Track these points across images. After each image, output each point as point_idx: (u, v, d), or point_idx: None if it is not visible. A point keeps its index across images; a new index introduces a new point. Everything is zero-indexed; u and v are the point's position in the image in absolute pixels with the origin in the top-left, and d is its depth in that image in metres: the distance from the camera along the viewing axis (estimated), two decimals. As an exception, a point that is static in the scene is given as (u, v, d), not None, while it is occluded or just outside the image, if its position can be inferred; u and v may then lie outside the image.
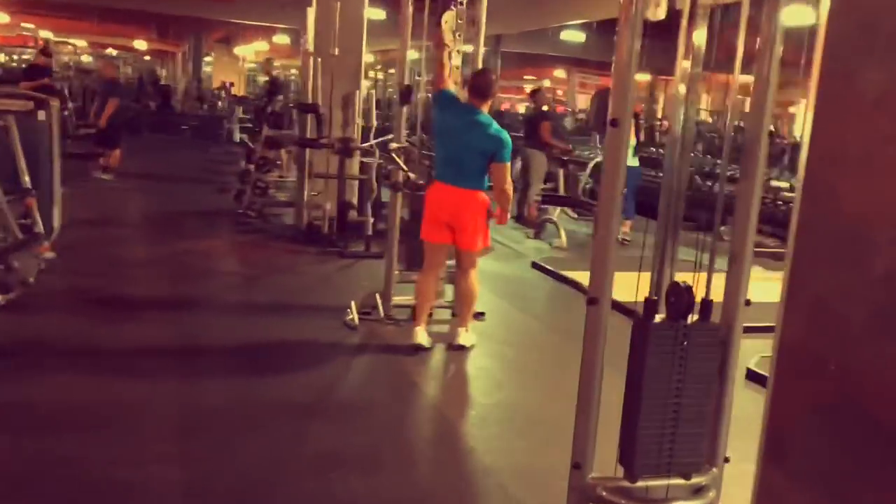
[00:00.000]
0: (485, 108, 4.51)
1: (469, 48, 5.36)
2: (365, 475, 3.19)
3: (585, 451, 2.62)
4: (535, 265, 7.26)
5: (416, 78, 5.67)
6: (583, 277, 6.73)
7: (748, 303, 2.65)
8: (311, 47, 7.52)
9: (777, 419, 1.86)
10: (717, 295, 2.54)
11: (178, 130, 18.08)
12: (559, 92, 27.30)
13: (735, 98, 2.56)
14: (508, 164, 4.48)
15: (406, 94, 5.18)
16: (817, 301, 1.71)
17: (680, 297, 2.56)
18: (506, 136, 4.48)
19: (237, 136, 16.13)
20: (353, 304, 5.13)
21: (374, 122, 7.68)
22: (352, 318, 5.06)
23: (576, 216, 8.95)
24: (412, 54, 5.32)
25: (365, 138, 7.55)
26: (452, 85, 4.73)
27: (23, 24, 24.85)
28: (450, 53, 4.86)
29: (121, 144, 10.81)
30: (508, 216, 4.73)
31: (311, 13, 7.47)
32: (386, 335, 4.95)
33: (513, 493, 3.14)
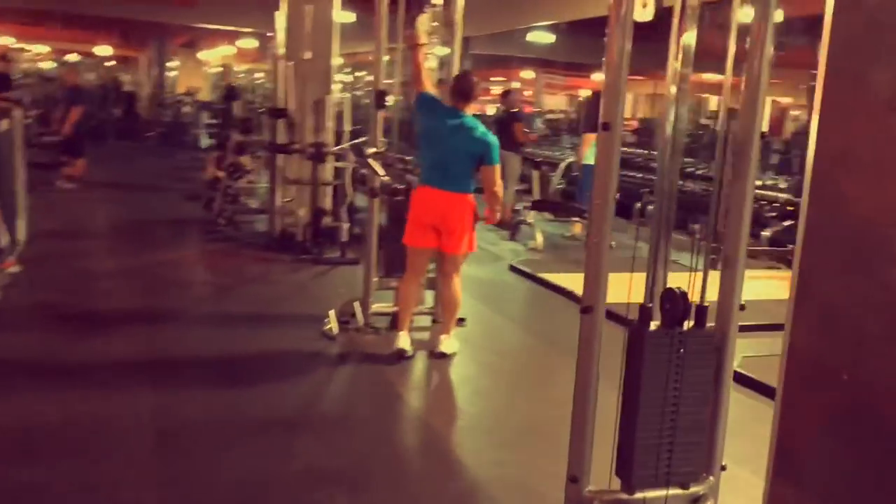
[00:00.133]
0: (468, 111, 4.47)
1: (444, 50, 5.29)
2: (353, 493, 3.09)
3: (582, 463, 2.56)
4: (512, 268, 7.21)
5: (388, 81, 5.58)
6: (561, 279, 6.78)
7: (743, 307, 2.62)
8: (280, 51, 7.38)
9: (786, 431, 1.80)
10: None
11: (143, 137, 17.77)
12: (527, 93, 27.34)
13: (726, 97, 2.50)
14: (498, 165, 4.45)
15: (381, 98, 5.09)
16: (827, 309, 1.66)
17: (675, 304, 2.52)
18: (493, 138, 4.45)
19: (204, 143, 15.90)
20: (331, 313, 5.02)
21: (348, 127, 7.58)
22: (330, 327, 4.95)
23: (552, 217, 8.91)
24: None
25: (337, 143, 7.44)
26: (431, 87, 4.66)
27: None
28: (425, 55, 4.79)
29: (85, 153, 10.57)
30: (498, 216, 4.66)
31: (281, 17, 7.34)
32: (366, 344, 4.84)
33: (506, 508, 3.07)
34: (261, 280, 6.49)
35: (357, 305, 5.10)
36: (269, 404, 3.92)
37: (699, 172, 10.89)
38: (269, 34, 12.58)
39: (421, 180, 4.52)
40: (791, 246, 8.34)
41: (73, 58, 25.88)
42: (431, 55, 4.92)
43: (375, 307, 5.14)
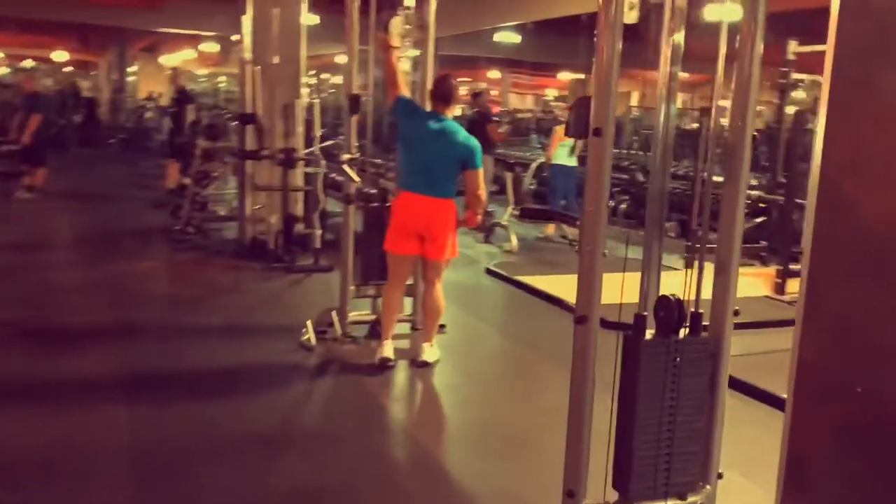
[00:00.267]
0: (449, 114, 4.40)
1: (414, 53, 5.20)
2: (340, 512, 3.01)
3: (578, 477, 2.50)
4: (489, 271, 7.16)
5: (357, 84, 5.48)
6: (537, 282, 6.72)
7: (737, 313, 2.58)
8: (247, 55, 7.24)
9: (797, 443, 1.76)
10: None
11: (105, 144, 17.41)
12: (493, 92, 27.35)
13: (717, 97, 2.46)
14: (481, 169, 4.40)
15: (354, 102, 4.99)
16: (839, 320, 1.62)
17: (670, 312, 2.47)
18: (475, 141, 4.40)
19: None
20: (308, 323, 4.91)
21: (319, 132, 7.47)
22: (308, 337, 4.84)
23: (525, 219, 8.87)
24: (344, 59, 5.13)
25: (307, 148, 7.32)
26: (407, 90, 4.59)
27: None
28: (398, 58, 4.71)
29: (46, 161, 10.30)
30: (479, 218, 4.60)
31: (247, 21, 7.20)
32: (346, 354, 4.74)
33: (499, 521, 3.00)
34: (233, 290, 6.35)
35: (334, 314, 5.00)
36: (248, 420, 3.81)
37: (671, 171, 10.90)
38: (232, 37, 12.40)
39: (402, 186, 4.43)
40: (763, 243, 8.34)
41: (29, 63, 25.32)
42: (405, 58, 4.83)
43: (353, 315, 5.05)
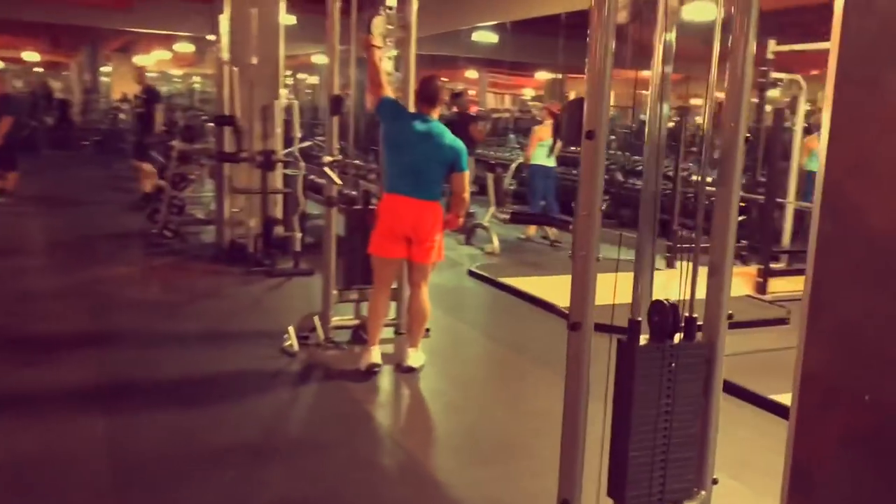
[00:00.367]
0: (434, 115, 4.34)
1: (393, 52, 5.13)
2: (328, 524, 2.94)
3: (573, 485, 2.46)
4: (471, 273, 7.11)
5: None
6: (520, 283, 6.69)
7: (731, 317, 2.54)
8: (225, 56, 7.13)
9: (802, 451, 1.73)
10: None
11: (78, 146, 17.13)
12: (471, 92, 27.32)
13: (712, 97, 2.43)
14: (468, 171, 4.37)
15: (336, 103, 4.92)
16: (844, 327, 1.59)
17: (664, 316, 2.43)
18: (461, 143, 4.36)
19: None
20: (290, 328, 4.82)
21: (298, 133, 7.38)
22: (290, 343, 4.76)
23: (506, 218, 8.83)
24: (321, 59, 5.06)
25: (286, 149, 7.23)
26: (391, 91, 4.53)
27: None
28: (381, 58, 4.65)
29: (18, 165, 10.10)
30: (461, 221, 4.56)
31: (225, 20, 7.08)
32: (329, 361, 4.67)
33: (490, 530, 2.95)
34: (212, 295, 6.24)
35: (317, 319, 4.92)
36: (231, 429, 3.72)
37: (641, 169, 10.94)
38: (208, 37, 12.24)
39: (388, 188, 4.35)
40: (744, 242, 8.34)
41: (-3, 64, 24.91)
42: (388, 58, 4.77)
43: (336, 320, 4.97)
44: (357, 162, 5.36)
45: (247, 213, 7.20)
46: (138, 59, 25.09)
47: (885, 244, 1.51)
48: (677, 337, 2.43)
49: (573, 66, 22.24)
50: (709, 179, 8.05)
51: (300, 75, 25.87)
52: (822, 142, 1.59)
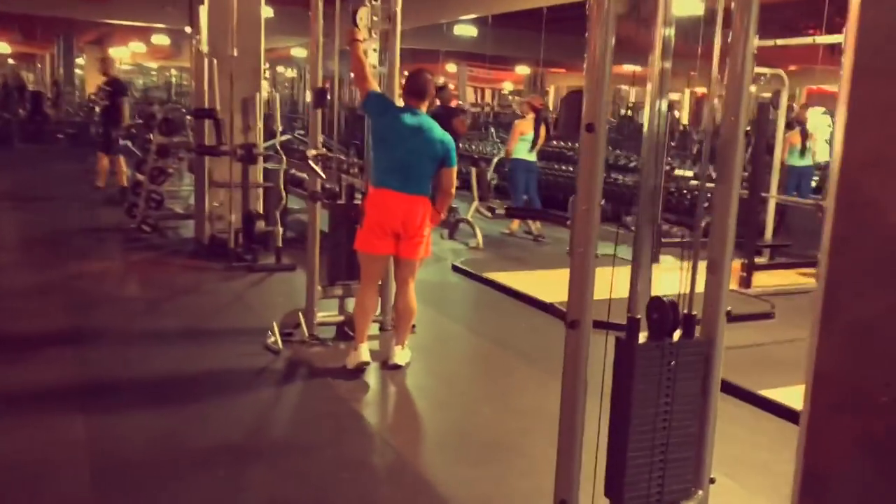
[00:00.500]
0: (423, 109, 4.27)
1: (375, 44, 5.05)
2: (318, 527, 2.86)
3: (571, 486, 2.40)
4: (455, 268, 7.05)
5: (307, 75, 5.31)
6: (504, 278, 6.63)
7: (730, 314, 2.51)
8: (204, 48, 6.99)
9: (814, 455, 1.68)
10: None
11: (52, 139, 16.84)
12: (450, 86, 27.23)
13: (714, 95, 2.38)
14: (456, 167, 4.31)
15: (320, 96, 4.83)
16: (860, 328, 1.54)
17: (664, 314, 2.39)
18: (450, 138, 4.29)
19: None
20: (274, 325, 4.73)
21: (279, 126, 7.27)
22: (274, 340, 4.67)
23: (490, 215, 8.78)
24: (299, 52, 4.97)
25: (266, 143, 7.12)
26: (376, 84, 4.45)
27: None
28: (365, 51, 4.57)
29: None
30: (443, 216, 4.51)
31: (204, 11, 6.94)
32: (314, 358, 4.58)
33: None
34: (193, 291, 6.12)
35: (301, 316, 4.84)
36: (214, 430, 3.63)
37: (624, 163, 10.97)
38: (186, 29, 12.05)
39: (377, 183, 4.26)
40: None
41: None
42: (373, 52, 4.69)
43: (320, 316, 4.89)
44: (341, 156, 5.28)
45: (227, 207, 7.08)
46: (113, 51, 24.73)
47: (901, 240, 1.47)
48: (676, 334, 2.40)
49: (553, 60, 22.25)
50: (689, 174, 8.10)
51: (279, 68, 25.63)
52: (836, 136, 1.54)
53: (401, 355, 4.42)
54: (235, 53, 6.74)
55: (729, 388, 4.25)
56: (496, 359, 4.89)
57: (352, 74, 4.77)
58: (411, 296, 4.36)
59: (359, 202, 4.80)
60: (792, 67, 9.79)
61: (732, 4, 2.25)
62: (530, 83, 24.78)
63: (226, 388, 4.12)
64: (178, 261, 6.96)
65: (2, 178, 10.30)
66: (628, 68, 3.28)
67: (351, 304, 4.83)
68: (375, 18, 4.67)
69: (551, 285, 6.12)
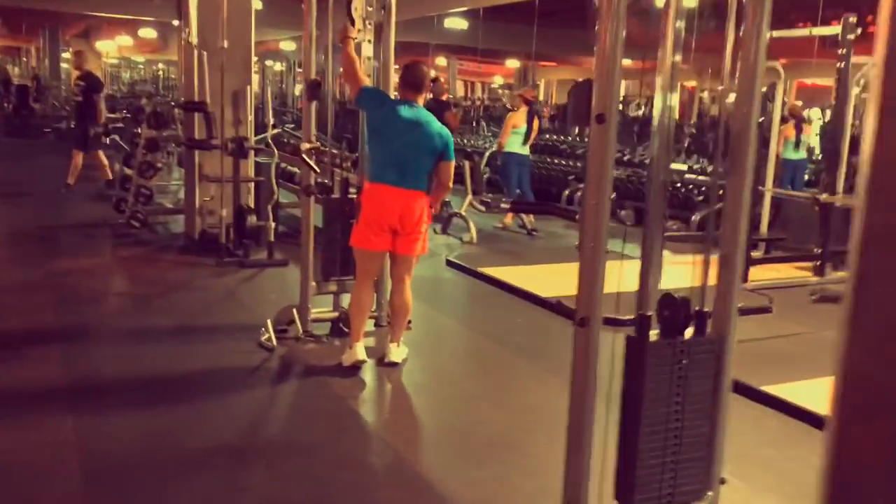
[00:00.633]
0: (420, 102, 4.19)
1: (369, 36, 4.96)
2: (317, 529, 2.79)
3: (580, 488, 2.34)
4: (450, 263, 6.98)
5: (298, 70, 5.22)
6: (499, 273, 6.56)
7: (740, 311, 2.45)
8: (194, 40, 6.87)
9: (843, 463, 1.62)
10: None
11: (39, 134, 16.63)
12: (441, 79, 27.12)
13: (726, 88, 2.31)
14: (453, 161, 4.23)
15: (313, 89, 4.74)
16: (892, 327, 1.47)
17: (675, 311, 2.32)
18: (448, 132, 4.21)
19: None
20: (268, 322, 4.64)
21: (271, 119, 7.16)
22: (268, 337, 4.58)
23: (483, 209, 8.70)
24: (289, 45, 4.88)
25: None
26: (367, 79, 4.37)
27: None
28: (359, 45, 4.49)
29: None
30: (434, 210, 4.43)
31: (193, 2, 6.82)
32: (309, 355, 4.50)
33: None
34: (184, 287, 6.02)
35: (295, 312, 4.75)
36: (209, 430, 3.55)
37: (618, 156, 10.91)
38: (174, 22, 11.88)
39: (373, 178, 4.17)
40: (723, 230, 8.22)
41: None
42: (368, 43, 4.61)
43: (315, 313, 4.81)
44: (335, 151, 5.19)
45: (218, 202, 6.97)
46: (100, 45, 24.48)
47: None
48: (688, 332, 2.34)
49: (543, 53, 22.15)
50: (683, 167, 8.03)
51: (268, 62, 25.45)
52: (867, 125, 1.47)
53: (397, 352, 4.34)
54: (226, 45, 6.64)
55: (732, 385, 4.20)
56: (493, 355, 4.82)
57: (340, 69, 4.68)
58: (407, 293, 4.29)
59: (353, 196, 4.73)
60: (783, 61, 9.75)
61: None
62: (521, 76, 24.70)
63: (220, 387, 4.04)
64: (168, 256, 6.86)
65: (-13, 173, 10.13)
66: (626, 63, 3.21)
67: (345, 299, 4.75)
68: (370, 8, 4.59)
69: (546, 280, 6.07)
